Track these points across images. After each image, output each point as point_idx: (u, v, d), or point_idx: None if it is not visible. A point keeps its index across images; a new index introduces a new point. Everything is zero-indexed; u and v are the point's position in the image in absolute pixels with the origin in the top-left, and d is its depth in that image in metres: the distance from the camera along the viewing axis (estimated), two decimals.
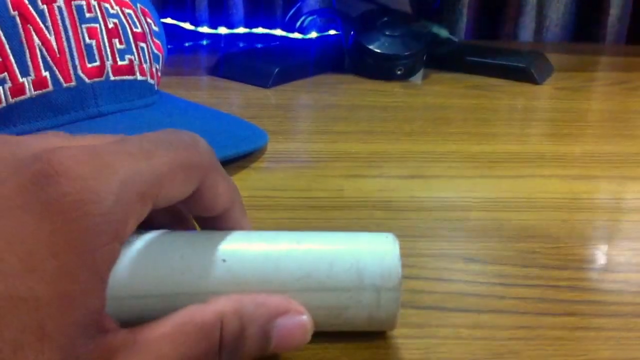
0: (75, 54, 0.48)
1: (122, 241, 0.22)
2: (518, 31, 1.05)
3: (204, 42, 0.99)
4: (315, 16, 0.96)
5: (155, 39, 0.57)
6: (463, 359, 0.30)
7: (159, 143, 0.23)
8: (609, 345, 0.32)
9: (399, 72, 0.79)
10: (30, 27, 0.46)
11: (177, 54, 0.90)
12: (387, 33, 0.79)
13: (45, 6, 0.47)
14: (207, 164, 0.25)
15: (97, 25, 0.50)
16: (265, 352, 0.25)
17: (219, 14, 1.01)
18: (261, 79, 0.75)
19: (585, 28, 1.05)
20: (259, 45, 0.97)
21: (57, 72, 0.47)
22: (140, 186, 0.22)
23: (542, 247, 0.41)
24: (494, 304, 0.35)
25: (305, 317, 0.26)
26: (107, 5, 0.51)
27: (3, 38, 0.45)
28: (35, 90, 0.46)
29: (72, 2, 0.49)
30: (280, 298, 0.26)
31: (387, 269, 0.30)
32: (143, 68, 0.53)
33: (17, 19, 0.46)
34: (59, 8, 0.48)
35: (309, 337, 0.26)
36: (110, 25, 0.51)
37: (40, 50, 0.47)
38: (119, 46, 0.51)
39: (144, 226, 0.26)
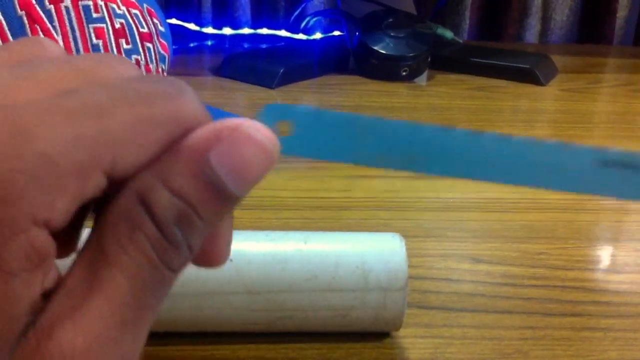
0: (82, 54, 0.48)
1: (50, 226, 0.16)
2: (523, 33, 1.05)
3: (209, 43, 0.99)
4: (320, 17, 0.96)
5: (161, 39, 0.58)
6: (470, 359, 0.30)
7: (122, 94, 0.17)
8: (616, 345, 0.31)
9: (403, 73, 0.79)
10: (38, 27, 0.46)
11: (182, 54, 0.90)
12: (391, 34, 0.79)
13: (52, 6, 0.47)
14: (193, 118, 0.18)
15: (104, 25, 0.50)
16: (229, 195, 0.17)
17: (223, 15, 1.01)
18: (266, 80, 0.75)
19: (591, 30, 1.05)
20: (264, 46, 0.97)
21: None
22: (75, 155, 0.16)
23: (549, 248, 0.40)
24: (501, 304, 0.35)
25: (248, 125, 0.18)
26: (114, 6, 0.52)
27: (10, 38, 0.46)
28: None
29: (79, 2, 0.49)
30: (204, 127, 0.18)
31: (394, 270, 0.30)
32: (149, 68, 0.54)
33: (25, 18, 0.46)
34: (66, 8, 0.48)
35: (268, 143, 0.18)
36: (117, 26, 0.51)
37: None
38: (125, 46, 0.51)
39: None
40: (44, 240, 0.16)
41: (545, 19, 1.04)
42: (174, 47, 0.64)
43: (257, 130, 0.18)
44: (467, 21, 1.04)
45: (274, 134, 0.18)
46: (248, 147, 0.18)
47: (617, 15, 1.03)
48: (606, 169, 0.20)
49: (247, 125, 0.18)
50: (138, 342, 0.17)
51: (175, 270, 0.17)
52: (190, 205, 0.17)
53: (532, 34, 1.05)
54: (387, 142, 0.20)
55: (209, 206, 0.17)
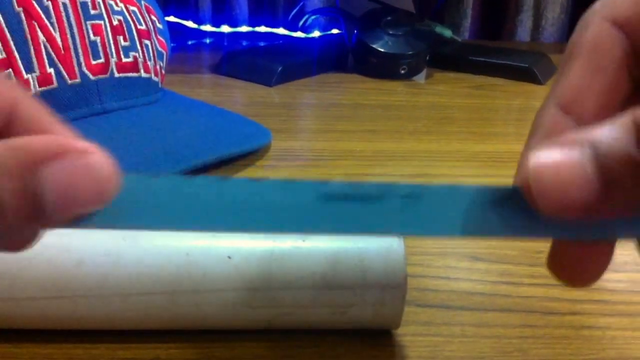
0: (79, 50, 0.48)
1: None
2: (516, 30, 1.05)
3: (207, 41, 0.99)
4: (318, 15, 0.95)
5: (159, 37, 0.57)
6: (470, 357, 0.30)
7: None
8: (616, 344, 0.31)
9: (402, 71, 0.79)
10: (35, 24, 0.46)
11: (180, 52, 0.90)
12: (390, 32, 0.79)
13: (50, 2, 0.47)
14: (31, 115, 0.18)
15: (102, 22, 0.50)
16: (44, 213, 0.16)
17: (222, 13, 1.01)
18: (264, 78, 0.75)
19: None
20: (262, 44, 0.97)
21: (61, 69, 0.47)
22: None
23: (548, 247, 0.40)
24: (500, 303, 0.34)
25: (94, 157, 0.17)
26: (112, 3, 0.51)
27: (8, 34, 0.45)
28: (40, 86, 0.46)
29: None
30: (54, 137, 0.17)
31: (392, 267, 0.29)
32: (147, 65, 0.53)
33: (22, 15, 0.46)
34: (64, 4, 0.48)
35: (105, 182, 0.17)
36: (115, 23, 0.51)
37: (45, 47, 0.46)
38: (123, 43, 0.51)
39: None
40: None
41: (537, 16, 1.05)
42: (172, 44, 0.64)
43: (102, 166, 0.17)
44: (469, 19, 1.04)
45: (117, 174, 0.17)
46: (87, 180, 0.16)
47: None
48: (330, 202, 0.18)
49: (95, 158, 0.17)
50: None
51: None
52: None
53: (524, 30, 1.05)
54: None
55: (18, 215, 0.16)
